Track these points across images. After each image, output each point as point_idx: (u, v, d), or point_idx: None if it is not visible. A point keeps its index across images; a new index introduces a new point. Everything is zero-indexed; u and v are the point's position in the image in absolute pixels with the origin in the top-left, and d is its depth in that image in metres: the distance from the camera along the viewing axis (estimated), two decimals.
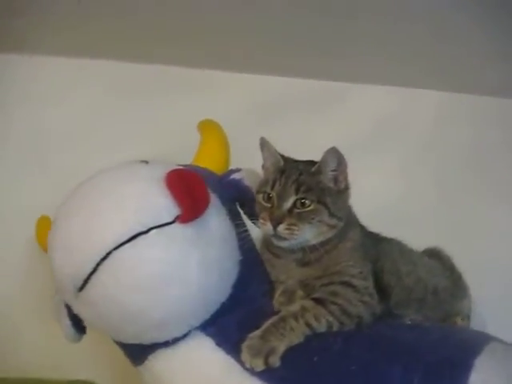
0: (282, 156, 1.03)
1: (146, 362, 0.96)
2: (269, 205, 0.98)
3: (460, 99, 1.64)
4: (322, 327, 0.90)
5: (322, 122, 1.63)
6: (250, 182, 1.07)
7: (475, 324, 1.26)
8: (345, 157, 1.01)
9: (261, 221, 0.97)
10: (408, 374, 0.86)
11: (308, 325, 0.89)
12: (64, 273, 0.87)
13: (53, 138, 1.49)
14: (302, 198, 0.96)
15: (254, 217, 1.02)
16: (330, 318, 0.91)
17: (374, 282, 1.02)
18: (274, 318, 0.89)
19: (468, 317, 1.23)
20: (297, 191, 0.97)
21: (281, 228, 0.95)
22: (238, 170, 1.10)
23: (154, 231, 0.84)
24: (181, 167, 0.92)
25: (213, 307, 0.91)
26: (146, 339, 0.91)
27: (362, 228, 1.09)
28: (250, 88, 1.60)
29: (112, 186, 0.88)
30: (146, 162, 0.93)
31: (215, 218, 0.92)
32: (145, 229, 0.84)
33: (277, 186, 0.98)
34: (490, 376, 0.86)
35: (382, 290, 1.03)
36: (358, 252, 1.01)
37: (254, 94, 1.60)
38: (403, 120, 1.64)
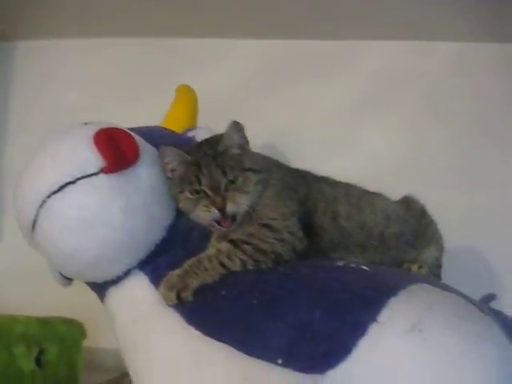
0: (183, 149, 1.06)
1: (104, 299, 1.09)
2: (200, 196, 1.02)
3: (468, 49, 1.59)
4: (236, 266, 0.98)
5: (328, 82, 1.66)
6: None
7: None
8: None
9: (203, 209, 1.01)
10: (311, 308, 0.91)
11: (222, 265, 0.97)
12: (20, 220, 1.03)
13: (73, 113, 1.67)
14: (231, 176, 1.02)
15: None
16: (244, 257, 0.98)
17: (305, 221, 1.07)
18: (192, 259, 0.98)
19: (435, 266, 1.22)
20: (225, 174, 1.02)
21: (229, 207, 1.01)
22: (194, 129, 1.19)
23: (80, 181, 0.97)
24: (114, 126, 1.03)
25: (145, 248, 1.03)
26: (91, 277, 1.05)
27: (288, 169, 1.15)
28: (252, 54, 1.67)
29: (50, 144, 1.02)
30: (86, 124, 1.06)
31: (147, 170, 1.03)
32: (73, 179, 0.97)
33: (203, 179, 1.02)
34: (400, 316, 0.89)
35: (313, 230, 1.08)
36: (281, 194, 1.06)
37: (256, 60, 1.67)
38: (409, 75, 1.63)
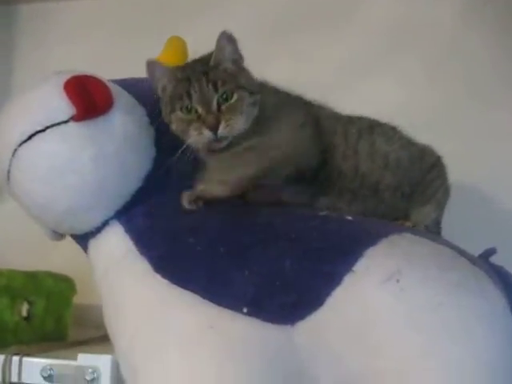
0: (173, 67, 1.03)
1: (88, 251, 1.08)
2: (192, 116, 0.98)
3: None
4: None
5: (330, 36, 1.59)
6: None
7: None
8: None
9: (194, 133, 0.97)
10: (282, 256, 0.88)
11: None
12: None
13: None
14: (224, 93, 0.97)
15: None
16: None
17: None
18: None
19: (432, 225, 1.11)
20: (216, 89, 0.97)
21: (221, 128, 0.95)
22: None
23: (50, 129, 0.95)
24: (87, 74, 1.01)
25: (121, 198, 1.00)
26: (70, 228, 1.04)
27: (284, 93, 1.08)
28: (254, 7, 1.62)
29: (23, 94, 1.01)
30: (59, 72, 1.04)
31: (121, 118, 0.99)
32: (42, 127, 0.95)
33: (194, 95, 0.97)
34: (377, 265, 0.85)
35: None
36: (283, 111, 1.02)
37: (255, 11, 1.62)
38: (407, 28, 1.55)
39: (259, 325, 0.84)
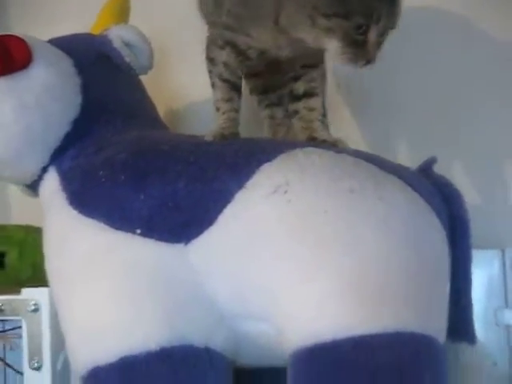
0: None
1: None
2: None
3: None
4: None
5: None
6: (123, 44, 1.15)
7: None
8: None
9: None
10: (177, 178, 0.91)
11: None
12: None
13: None
14: None
15: None
16: None
17: None
18: None
19: None
20: None
21: None
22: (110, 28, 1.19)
23: None
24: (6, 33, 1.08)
25: (49, 143, 1.07)
26: (11, 179, 1.15)
27: None
28: None
29: None
30: None
31: (42, 70, 1.07)
32: None
33: None
34: (266, 179, 0.87)
35: None
36: None
37: None
38: None
39: (154, 244, 0.89)
